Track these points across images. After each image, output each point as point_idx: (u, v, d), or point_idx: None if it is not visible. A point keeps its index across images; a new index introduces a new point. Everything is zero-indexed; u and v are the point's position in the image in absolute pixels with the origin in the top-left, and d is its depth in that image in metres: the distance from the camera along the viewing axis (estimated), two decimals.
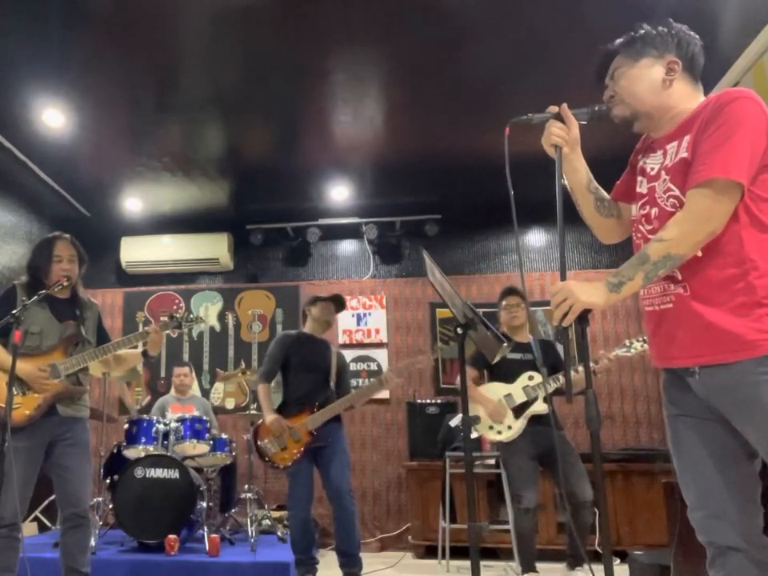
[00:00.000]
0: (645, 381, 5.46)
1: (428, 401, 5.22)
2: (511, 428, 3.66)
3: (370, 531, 5.32)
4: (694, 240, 1.50)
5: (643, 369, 5.45)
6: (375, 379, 3.79)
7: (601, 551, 2.39)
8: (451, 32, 3.44)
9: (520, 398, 3.69)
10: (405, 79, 3.90)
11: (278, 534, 4.60)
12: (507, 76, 3.82)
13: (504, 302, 3.87)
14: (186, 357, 5.88)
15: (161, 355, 5.92)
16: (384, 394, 3.55)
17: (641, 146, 1.82)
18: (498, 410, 3.67)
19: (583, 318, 1.54)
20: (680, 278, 1.58)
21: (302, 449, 3.60)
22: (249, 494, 4.53)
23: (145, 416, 4.48)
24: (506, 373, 3.74)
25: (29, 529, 4.67)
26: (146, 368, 5.92)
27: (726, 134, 1.50)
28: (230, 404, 5.82)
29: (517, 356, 3.77)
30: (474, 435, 4.16)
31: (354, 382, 5.31)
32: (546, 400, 3.64)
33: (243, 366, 5.76)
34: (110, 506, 4.19)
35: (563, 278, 1.60)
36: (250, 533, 4.20)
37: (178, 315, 3.10)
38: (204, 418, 4.51)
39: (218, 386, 5.86)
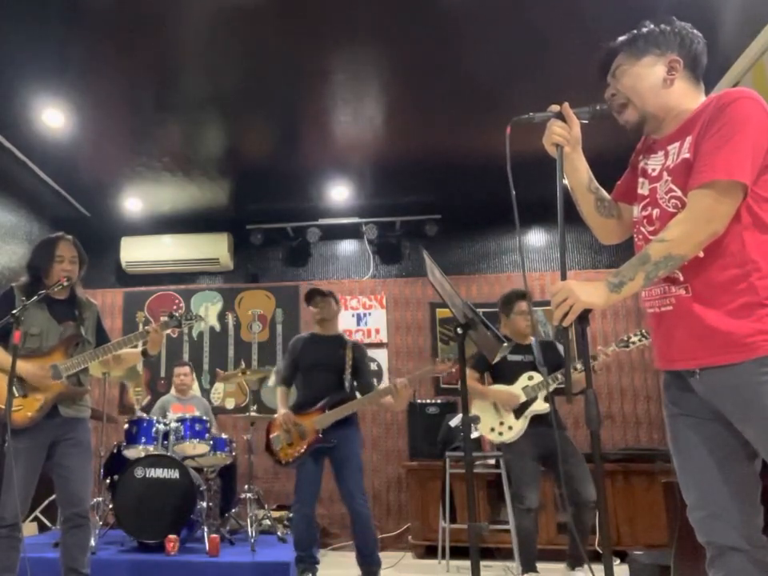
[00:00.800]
0: (645, 381, 5.46)
1: (428, 401, 5.23)
2: (512, 429, 3.66)
3: None
4: (695, 240, 1.50)
5: (643, 369, 5.45)
6: (388, 385, 3.67)
7: (601, 551, 2.39)
8: (451, 32, 3.44)
9: (520, 398, 3.69)
10: (405, 79, 3.90)
11: (278, 534, 4.59)
12: (507, 76, 3.82)
13: (516, 307, 3.79)
14: (186, 357, 5.88)
15: (161, 355, 5.92)
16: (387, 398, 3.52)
17: (641, 146, 1.81)
18: (511, 398, 3.65)
19: (583, 317, 1.54)
20: (682, 279, 1.58)
21: (306, 446, 3.63)
22: (249, 494, 4.51)
23: (145, 416, 4.48)
24: (506, 375, 3.74)
25: (29, 529, 4.67)
26: (147, 368, 5.92)
27: (727, 135, 1.49)
28: (229, 404, 5.83)
29: (518, 358, 3.77)
30: (474, 435, 4.16)
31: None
32: (546, 399, 3.64)
33: (243, 366, 5.76)
34: (110, 506, 4.18)
35: (563, 277, 1.60)
36: (249, 533, 4.19)
37: (177, 314, 3.10)
38: (204, 418, 4.51)
39: (218, 386, 5.86)
